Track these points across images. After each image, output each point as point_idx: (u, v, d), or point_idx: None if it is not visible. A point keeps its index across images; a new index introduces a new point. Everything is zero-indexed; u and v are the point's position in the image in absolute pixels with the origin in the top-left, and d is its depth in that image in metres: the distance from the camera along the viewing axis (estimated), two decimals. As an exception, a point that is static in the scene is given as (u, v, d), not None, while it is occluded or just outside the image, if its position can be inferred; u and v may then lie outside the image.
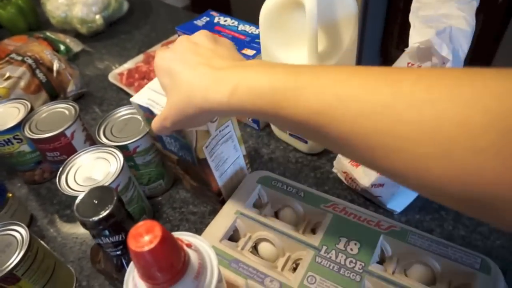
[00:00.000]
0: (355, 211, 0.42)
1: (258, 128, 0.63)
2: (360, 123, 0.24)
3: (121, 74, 0.79)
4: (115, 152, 0.46)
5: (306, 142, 0.56)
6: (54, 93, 0.72)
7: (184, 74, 0.32)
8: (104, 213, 0.30)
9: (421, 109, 0.22)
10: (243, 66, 0.31)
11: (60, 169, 0.45)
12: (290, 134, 0.57)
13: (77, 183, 0.44)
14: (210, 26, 0.61)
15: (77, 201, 0.31)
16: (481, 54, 1.34)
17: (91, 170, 0.45)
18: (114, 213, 0.30)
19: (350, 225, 0.41)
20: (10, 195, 0.52)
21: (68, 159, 0.46)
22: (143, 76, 0.77)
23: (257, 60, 0.33)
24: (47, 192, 0.60)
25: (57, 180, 0.44)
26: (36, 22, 1.03)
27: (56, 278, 0.43)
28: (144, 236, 0.23)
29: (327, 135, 0.26)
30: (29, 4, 1.00)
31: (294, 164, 0.58)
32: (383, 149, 0.24)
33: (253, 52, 0.54)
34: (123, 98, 0.77)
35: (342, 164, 0.50)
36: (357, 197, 0.52)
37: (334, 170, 0.54)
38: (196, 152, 0.41)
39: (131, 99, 0.42)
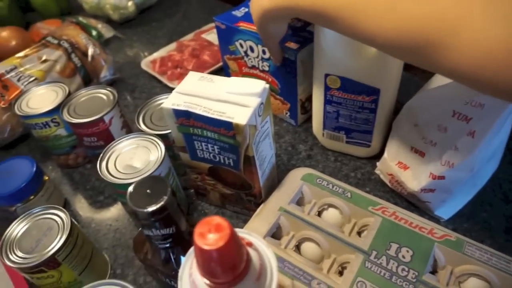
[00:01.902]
0: (406, 216, 0.40)
1: (296, 123, 0.61)
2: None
3: (153, 62, 0.78)
4: (155, 141, 0.45)
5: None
6: (88, 78, 0.71)
7: None
8: (158, 205, 0.28)
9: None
10: None
11: (101, 155, 0.44)
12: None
13: (118, 170, 0.43)
14: (249, 17, 0.60)
15: (130, 189, 0.30)
16: None
17: (132, 157, 0.44)
18: (168, 205, 0.29)
19: (400, 231, 0.39)
20: (47, 178, 0.52)
21: (108, 146, 0.45)
22: (176, 65, 0.75)
23: None
24: (80, 177, 0.60)
25: (98, 167, 0.43)
26: (68, 7, 1.02)
27: (92, 265, 0.42)
28: (212, 233, 0.22)
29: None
30: (62, -13, 1.00)
31: (333, 163, 0.56)
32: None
33: (297, 45, 0.52)
34: (155, 86, 0.76)
35: (388, 166, 0.47)
36: (400, 201, 0.50)
37: (377, 171, 0.51)
38: (247, 150, 0.39)
39: (163, 106, 0.40)
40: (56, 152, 0.59)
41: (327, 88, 0.48)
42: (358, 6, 0.32)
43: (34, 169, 0.49)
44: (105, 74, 0.74)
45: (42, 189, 0.50)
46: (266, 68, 0.58)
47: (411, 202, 0.48)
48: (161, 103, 0.51)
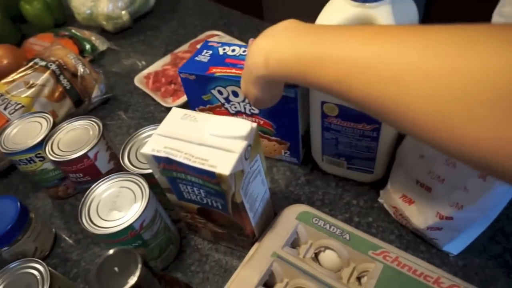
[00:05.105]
0: (410, 263, 0.37)
1: (298, 161, 0.55)
2: (374, 90, 0.25)
3: (147, 77, 0.75)
4: (140, 182, 0.43)
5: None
6: (79, 100, 0.69)
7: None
8: (128, 285, 0.26)
9: (427, 81, 0.22)
10: (273, 35, 0.33)
11: (81, 202, 0.41)
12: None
13: (100, 218, 0.40)
14: (218, 60, 0.49)
15: (97, 267, 0.27)
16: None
17: (115, 201, 0.42)
18: (141, 283, 0.26)
19: (403, 279, 0.36)
20: (33, 216, 0.50)
21: (89, 191, 0.42)
22: (170, 80, 0.72)
23: (288, 23, 0.34)
24: (72, 208, 0.58)
25: (79, 215, 0.40)
26: (63, 17, 1.00)
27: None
28: None
29: (349, 100, 0.28)
30: (55, -2, 0.97)
31: (334, 189, 0.52)
32: (394, 115, 0.25)
33: None
34: (149, 103, 0.73)
35: (392, 198, 0.44)
36: (406, 233, 0.46)
37: (380, 200, 0.48)
38: (234, 197, 0.36)
39: (142, 151, 0.37)
40: (45, 185, 0.57)
41: (324, 115, 0.45)
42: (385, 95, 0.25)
43: (18, 209, 0.47)
44: (96, 93, 0.71)
45: (28, 229, 0.48)
46: (256, 111, 0.50)
47: (417, 234, 0.45)
48: (148, 135, 0.49)
